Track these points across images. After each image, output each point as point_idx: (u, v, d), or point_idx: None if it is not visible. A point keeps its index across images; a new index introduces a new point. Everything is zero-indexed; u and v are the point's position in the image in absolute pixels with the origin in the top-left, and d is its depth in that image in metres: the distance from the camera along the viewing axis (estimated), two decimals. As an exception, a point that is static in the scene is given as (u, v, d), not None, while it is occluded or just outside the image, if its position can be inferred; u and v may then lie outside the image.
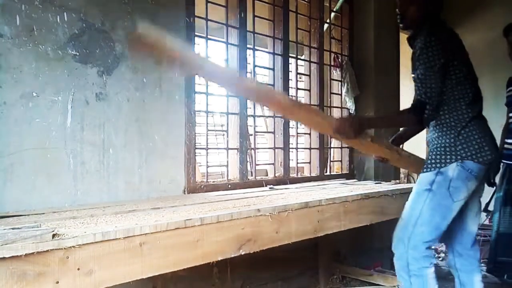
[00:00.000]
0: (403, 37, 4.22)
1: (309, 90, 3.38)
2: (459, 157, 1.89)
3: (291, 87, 3.25)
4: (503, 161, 2.79)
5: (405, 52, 4.76)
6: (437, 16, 2.06)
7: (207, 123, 2.63)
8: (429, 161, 1.95)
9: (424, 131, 2.44)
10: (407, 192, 2.39)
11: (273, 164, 3.05)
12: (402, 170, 5.01)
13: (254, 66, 3.03)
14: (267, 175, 3.10)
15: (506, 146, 2.76)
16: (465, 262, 2.09)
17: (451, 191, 1.89)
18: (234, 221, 1.71)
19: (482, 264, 3.69)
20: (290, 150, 3.16)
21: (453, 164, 1.89)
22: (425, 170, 1.94)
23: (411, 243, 1.89)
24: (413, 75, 2.02)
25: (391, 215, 2.57)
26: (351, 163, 3.67)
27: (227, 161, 2.75)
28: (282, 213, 1.90)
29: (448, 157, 1.91)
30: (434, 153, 1.95)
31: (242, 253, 1.75)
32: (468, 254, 2.09)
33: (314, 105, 3.37)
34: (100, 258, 1.35)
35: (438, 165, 1.91)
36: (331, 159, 3.61)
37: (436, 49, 1.87)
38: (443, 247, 4.23)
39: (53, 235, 1.25)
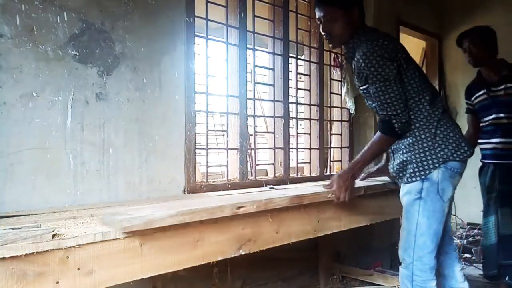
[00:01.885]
0: (403, 37, 4.23)
1: (309, 90, 3.38)
2: (440, 159, 1.88)
3: (291, 87, 3.25)
4: (490, 161, 2.82)
5: (405, 52, 4.75)
6: (363, 23, 1.99)
7: (207, 123, 2.63)
8: (411, 171, 1.90)
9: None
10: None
11: (273, 164, 3.05)
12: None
13: (254, 66, 3.03)
14: (267, 175, 3.10)
15: (492, 146, 2.77)
16: (446, 257, 2.11)
17: (440, 193, 1.89)
18: (234, 221, 1.71)
19: (480, 268, 3.70)
20: (290, 150, 3.16)
21: (437, 168, 1.88)
22: (409, 180, 1.92)
23: (416, 254, 1.90)
24: (361, 89, 1.99)
25: (391, 215, 2.57)
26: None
27: (227, 161, 2.75)
28: (283, 213, 1.90)
29: (430, 162, 1.88)
30: (415, 160, 1.90)
31: (242, 253, 1.75)
32: (449, 249, 2.13)
33: (314, 105, 3.37)
34: (100, 258, 1.35)
35: (423, 173, 1.89)
36: (331, 159, 3.62)
37: (383, 57, 1.80)
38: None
39: (53, 235, 1.25)
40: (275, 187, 2.65)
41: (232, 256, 1.73)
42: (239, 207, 1.68)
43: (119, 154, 2.10)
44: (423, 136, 1.90)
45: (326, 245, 3.12)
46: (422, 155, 1.89)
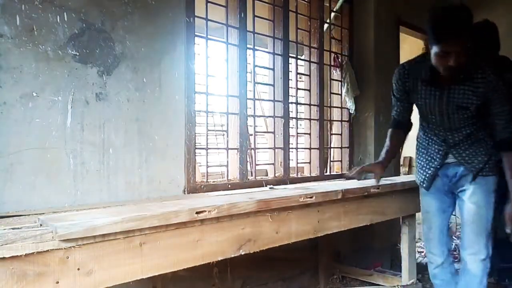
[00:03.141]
0: (403, 37, 4.23)
1: (309, 90, 3.38)
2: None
3: (291, 87, 3.24)
4: None
5: (405, 52, 4.76)
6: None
7: (207, 123, 2.63)
8: (490, 165, 2.11)
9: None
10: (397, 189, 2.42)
11: (273, 164, 3.05)
12: (402, 169, 5.02)
13: (254, 66, 3.03)
14: (267, 175, 3.10)
15: None
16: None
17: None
18: (234, 221, 1.71)
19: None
20: (290, 150, 3.16)
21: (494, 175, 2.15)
22: (487, 173, 2.11)
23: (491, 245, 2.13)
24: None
25: (391, 215, 2.57)
26: (351, 163, 3.67)
27: (227, 161, 2.75)
28: (283, 213, 1.89)
29: (494, 159, 2.11)
30: (494, 157, 2.10)
31: (242, 253, 1.75)
32: None
33: (314, 105, 3.37)
34: (100, 258, 1.35)
35: (495, 170, 2.12)
36: (331, 159, 3.62)
37: None
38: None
39: (53, 235, 1.25)
40: (275, 187, 2.65)
41: (232, 256, 1.73)
42: (199, 212, 1.56)
43: (119, 154, 2.10)
44: (488, 138, 2.12)
45: (326, 245, 3.12)
46: (491, 151, 2.11)
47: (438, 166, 2.19)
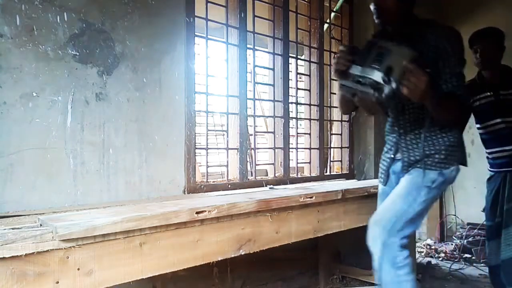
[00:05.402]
0: (403, 37, 4.22)
1: (309, 90, 3.38)
2: (459, 159, 1.91)
3: (291, 87, 3.24)
4: (504, 169, 2.69)
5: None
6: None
7: (207, 123, 2.63)
8: (436, 160, 1.88)
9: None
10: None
11: (273, 164, 3.05)
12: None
13: (254, 66, 3.03)
14: (267, 175, 3.10)
15: (508, 153, 2.69)
16: None
17: (441, 192, 1.94)
18: (234, 221, 1.71)
19: (480, 268, 3.69)
20: (290, 150, 3.16)
21: (454, 166, 1.89)
22: (429, 168, 1.88)
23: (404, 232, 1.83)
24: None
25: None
26: (351, 163, 3.67)
27: (227, 161, 2.75)
28: (283, 213, 1.90)
29: (451, 157, 1.89)
30: (444, 151, 1.88)
31: (242, 253, 1.75)
32: None
33: (314, 105, 3.37)
34: (100, 258, 1.35)
35: (443, 165, 1.87)
36: (331, 159, 3.61)
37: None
38: (443, 247, 4.23)
39: (53, 235, 1.25)
40: (275, 187, 2.65)
41: (232, 256, 1.73)
42: (199, 212, 1.56)
43: (119, 154, 2.10)
44: (453, 132, 1.91)
45: (326, 245, 3.12)
46: (449, 148, 1.89)
47: (391, 160, 2.03)
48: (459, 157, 1.93)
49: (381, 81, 1.61)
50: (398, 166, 1.99)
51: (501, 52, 2.68)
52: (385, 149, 2.09)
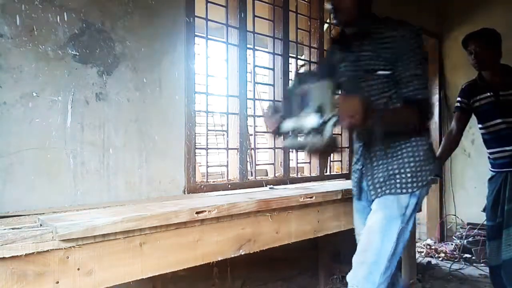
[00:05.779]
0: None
1: (309, 90, 3.37)
2: (431, 173, 1.71)
3: (291, 87, 3.24)
4: (504, 170, 2.68)
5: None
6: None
7: (207, 123, 2.63)
8: (403, 181, 1.68)
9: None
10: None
11: (273, 164, 3.05)
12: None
13: (254, 66, 3.03)
14: (267, 175, 3.10)
15: (505, 154, 2.69)
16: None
17: (416, 211, 1.73)
18: (234, 221, 1.71)
19: (480, 268, 3.69)
20: (290, 150, 3.16)
21: (426, 185, 1.71)
22: (398, 191, 1.68)
23: (382, 278, 1.66)
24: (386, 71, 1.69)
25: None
26: (351, 163, 3.66)
27: (227, 161, 2.75)
28: (283, 213, 1.89)
29: (421, 174, 1.69)
30: (409, 170, 1.68)
31: (242, 253, 1.75)
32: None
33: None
34: (100, 258, 1.35)
35: (415, 185, 1.68)
36: (331, 159, 3.61)
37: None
38: (443, 247, 4.24)
39: (53, 235, 1.25)
40: (275, 187, 2.65)
41: (232, 256, 1.73)
42: (199, 212, 1.55)
43: (119, 154, 2.10)
44: (419, 143, 1.71)
45: (326, 245, 3.12)
46: (417, 164, 1.69)
47: (360, 173, 1.87)
48: (432, 170, 1.72)
49: (319, 124, 1.49)
50: (365, 184, 1.80)
51: (496, 52, 2.67)
52: (354, 159, 1.93)
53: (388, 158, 1.73)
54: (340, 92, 1.87)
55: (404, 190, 1.67)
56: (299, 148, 1.62)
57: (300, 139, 1.57)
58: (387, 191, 1.70)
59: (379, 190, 1.72)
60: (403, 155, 1.71)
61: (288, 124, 1.61)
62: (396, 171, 1.70)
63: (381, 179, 1.72)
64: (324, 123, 1.48)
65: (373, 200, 1.75)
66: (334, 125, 1.48)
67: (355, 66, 1.78)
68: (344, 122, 1.45)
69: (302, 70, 2.05)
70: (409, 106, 1.63)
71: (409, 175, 1.68)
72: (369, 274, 1.65)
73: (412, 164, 1.69)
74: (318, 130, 1.49)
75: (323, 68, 1.98)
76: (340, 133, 3.65)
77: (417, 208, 1.72)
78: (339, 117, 1.45)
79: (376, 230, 1.67)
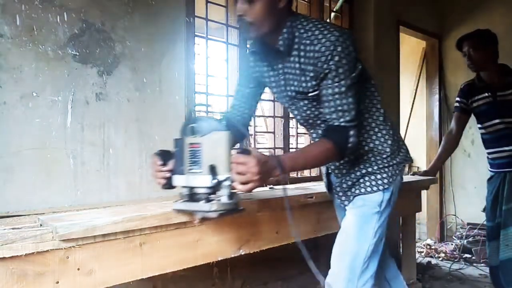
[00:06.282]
0: (403, 37, 4.23)
1: (309, 90, 3.37)
2: (400, 165, 1.67)
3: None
4: (503, 170, 2.69)
5: (405, 52, 4.76)
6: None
7: (207, 123, 2.63)
8: (372, 182, 1.62)
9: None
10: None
11: (273, 164, 3.05)
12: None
13: (254, 66, 3.02)
14: (267, 175, 3.10)
15: (508, 153, 2.69)
16: (394, 279, 1.94)
17: (392, 205, 1.67)
18: (234, 221, 1.71)
19: (480, 268, 3.69)
20: (290, 150, 3.16)
21: (397, 176, 1.65)
22: (368, 190, 1.63)
23: (361, 281, 1.60)
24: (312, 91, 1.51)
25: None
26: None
27: (227, 161, 2.75)
28: (283, 213, 1.89)
29: (392, 169, 1.64)
30: (377, 169, 1.63)
31: (242, 253, 1.75)
32: (396, 273, 1.96)
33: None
34: (100, 258, 1.35)
35: (386, 181, 1.62)
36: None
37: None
38: (443, 247, 4.23)
39: (53, 235, 1.25)
40: (275, 187, 2.65)
41: (232, 256, 1.73)
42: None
43: (119, 154, 2.10)
44: (382, 139, 1.64)
45: (326, 245, 3.12)
46: (384, 161, 1.63)
47: (328, 177, 1.86)
48: (399, 162, 1.66)
49: (212, 188, 1.28)
50: (335, 191, 1.74)
51: (491, 52, 2.66)
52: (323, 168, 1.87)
53: (353, 162, 1.66)
54: (236, 147, 1.66)
55: (375, 188, 1.62)
56: (190, 212, 1.39)
57: (194, 202, 1.33)
58: (357, 191, 1.64)
59: (349, 193, 1.66)
60: (368, 155, 1.64)
61: (178, 181, 1.36)
62: (364, 171, 1.63)
63: (349, 183, 1.66)
64: (219, 183, 1.26)
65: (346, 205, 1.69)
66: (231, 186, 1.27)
67: (282, 87, 1.61)
68: (240, 185, 1.27)
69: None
70: (323, 140, 1.47)
71: (377, 172, 1.62)
72: (348, 282, 1.59)
73: (379, 162, 1.63)
74: (212, 191, 1.29)
75: (245, 84, 1.76)
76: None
77: (393, 199, 1.66)
78: (234, 179, 1.26)
79: (351, 233, 1.63)
